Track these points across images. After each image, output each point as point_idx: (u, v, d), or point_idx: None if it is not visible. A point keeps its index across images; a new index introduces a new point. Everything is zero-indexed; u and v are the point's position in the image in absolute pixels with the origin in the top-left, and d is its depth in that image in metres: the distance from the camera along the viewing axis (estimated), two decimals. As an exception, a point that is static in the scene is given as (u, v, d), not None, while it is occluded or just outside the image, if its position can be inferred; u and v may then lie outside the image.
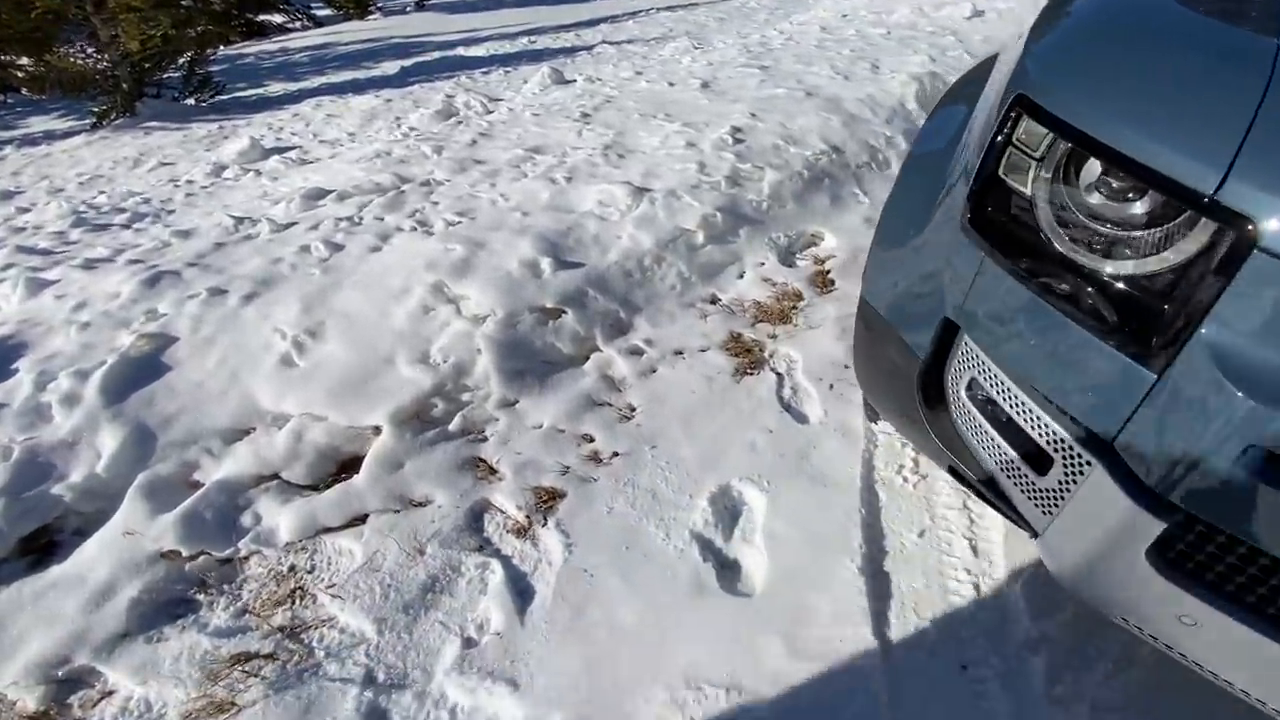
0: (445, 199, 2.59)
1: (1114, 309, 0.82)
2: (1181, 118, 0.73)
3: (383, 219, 2.47)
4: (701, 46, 6.06)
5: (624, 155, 2.80)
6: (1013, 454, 0.99)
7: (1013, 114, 0.91)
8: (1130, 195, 0.82)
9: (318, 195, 2.73)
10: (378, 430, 1.67)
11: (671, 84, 3.86)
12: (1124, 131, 0.77)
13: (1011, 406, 0.97)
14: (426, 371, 1.76)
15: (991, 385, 1.00)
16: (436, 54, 8.19)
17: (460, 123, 4.17)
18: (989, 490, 1.07)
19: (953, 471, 1.16)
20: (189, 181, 3.80)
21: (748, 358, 1.97)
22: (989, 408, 1.04)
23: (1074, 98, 0.84)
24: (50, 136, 6.22)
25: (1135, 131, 0.76)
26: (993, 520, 1.52)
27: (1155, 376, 0.76)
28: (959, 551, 1.47)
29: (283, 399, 1.69)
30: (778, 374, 1.92)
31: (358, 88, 6.64)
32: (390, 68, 7.71)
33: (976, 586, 1.40)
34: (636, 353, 2.00)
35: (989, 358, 0.98)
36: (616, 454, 1.68)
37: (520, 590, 1.40)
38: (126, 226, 2.90)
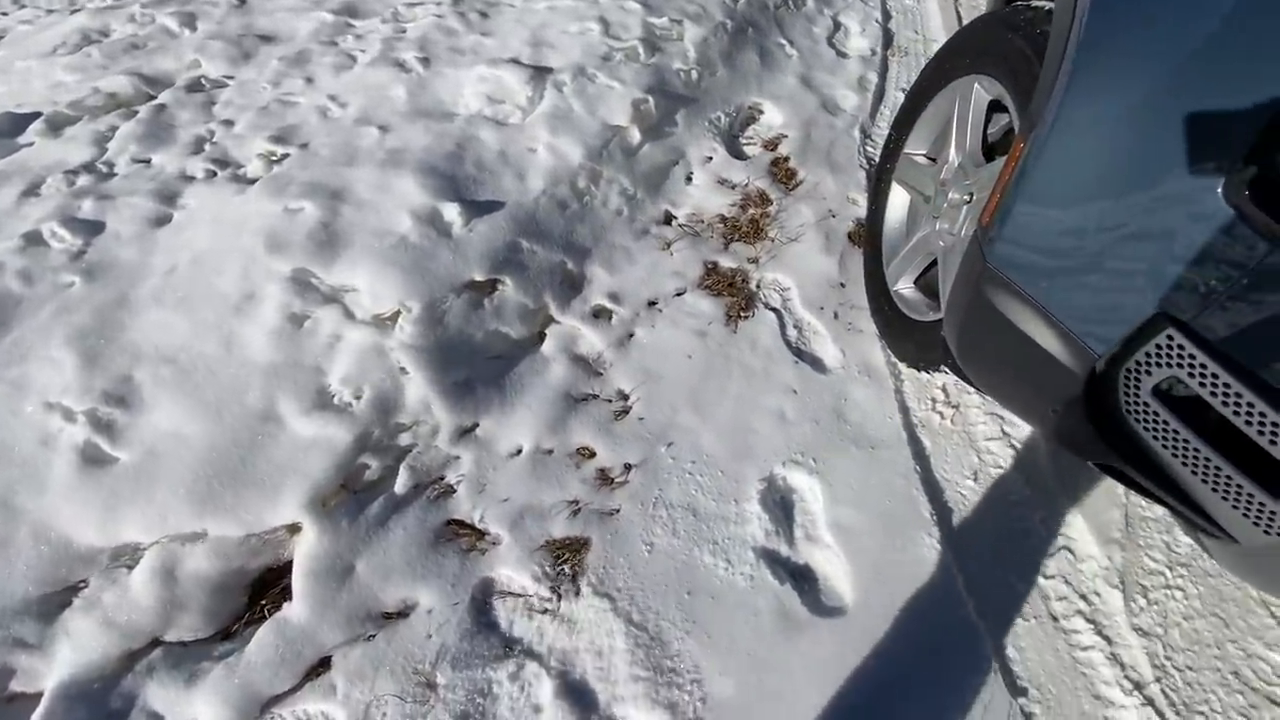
0: (241, 113, 1.73)
1: None
2: None
3: (149, 161, 1.59)
4: None
5: (487, 13, 2.02)
6: (1234, 472, 0.81)
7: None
8: None
9: (12, 128, 1.68)
10: (295, 528, 1.14)
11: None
12: None
13: (1254, 425, 0.77)
14: (336, 419, 1.21)
15: (1219, 395, 0.78)
16: None
17: (193, -40, 2.83)
18: (1171, 496, 0.91)
19: (1111, 471, 0.98)
20: None
21: (734, 295, 1.62)
22: (1187, 409, 0.84)
23: None
24: None
25: None
26: (1035, 442, 1.44)
27: None
28: (1016, 490, 1.39)
29: (115, 523, 1.07)
30: (775, 311, 1.61)
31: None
32: None
33: (1045, 523, 1.33)
34: (603, 315, 1.55)
35: (1233, 375, 0.75)
36: (629, 467, 1.33)
37: (581, 696, 1.09)
38: None
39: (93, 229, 1.41)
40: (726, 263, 1.68)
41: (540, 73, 1.78)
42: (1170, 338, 0.80)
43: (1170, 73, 0.75)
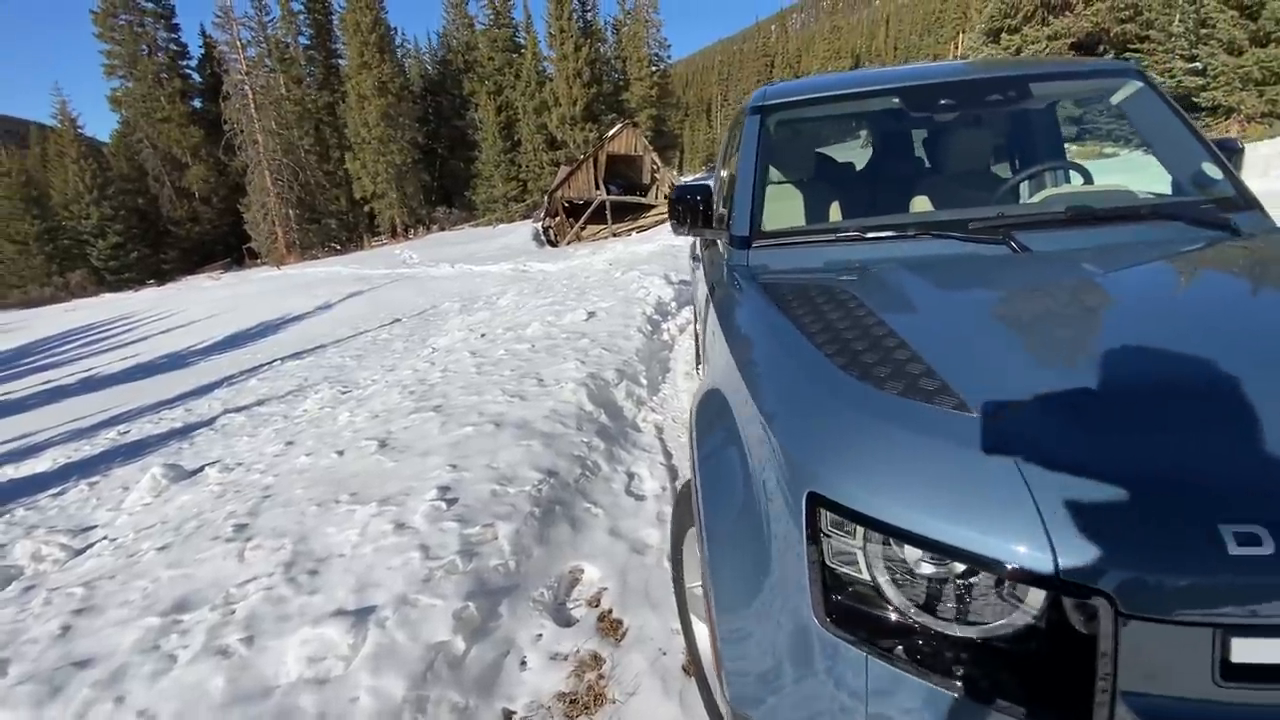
0: (28, 768, 1.61)
1: (1015, 674, 0.81)
2: (982, 506, 0.81)
3: None
4: (350, 392, 5.88)
5: (316, 571, 2.26)
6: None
7: (814, 512, 0.93)
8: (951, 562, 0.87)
9: None
10: None
11: (340, 452, 3.49)
12: (936, 522, 0.82)
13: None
14: None
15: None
16: (-37, 486, 6.06)
17: (31, 590, 2.93)
18: None
19: None
20: None
21: (585, 783, 1.55)
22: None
23: (861, 492, 0.89)
24: None
25: (948, 522, 0.81)
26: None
27: (1107, 746, 0.73)
28: None
29: None
30: (631, 786, 1.54)
31: None
32: None
33: None
34: None
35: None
36: None
37: None
38: None
39: None
40: (573, 746, 1.65)
41: (363, 615, 1.94)
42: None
43: (760, 563, 1.06)
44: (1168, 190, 2.01)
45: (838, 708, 0.91)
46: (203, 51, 40.45)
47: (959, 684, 0.82)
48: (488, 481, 2.73)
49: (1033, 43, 17.92)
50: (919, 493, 0.85)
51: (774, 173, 2.86)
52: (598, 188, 22.15)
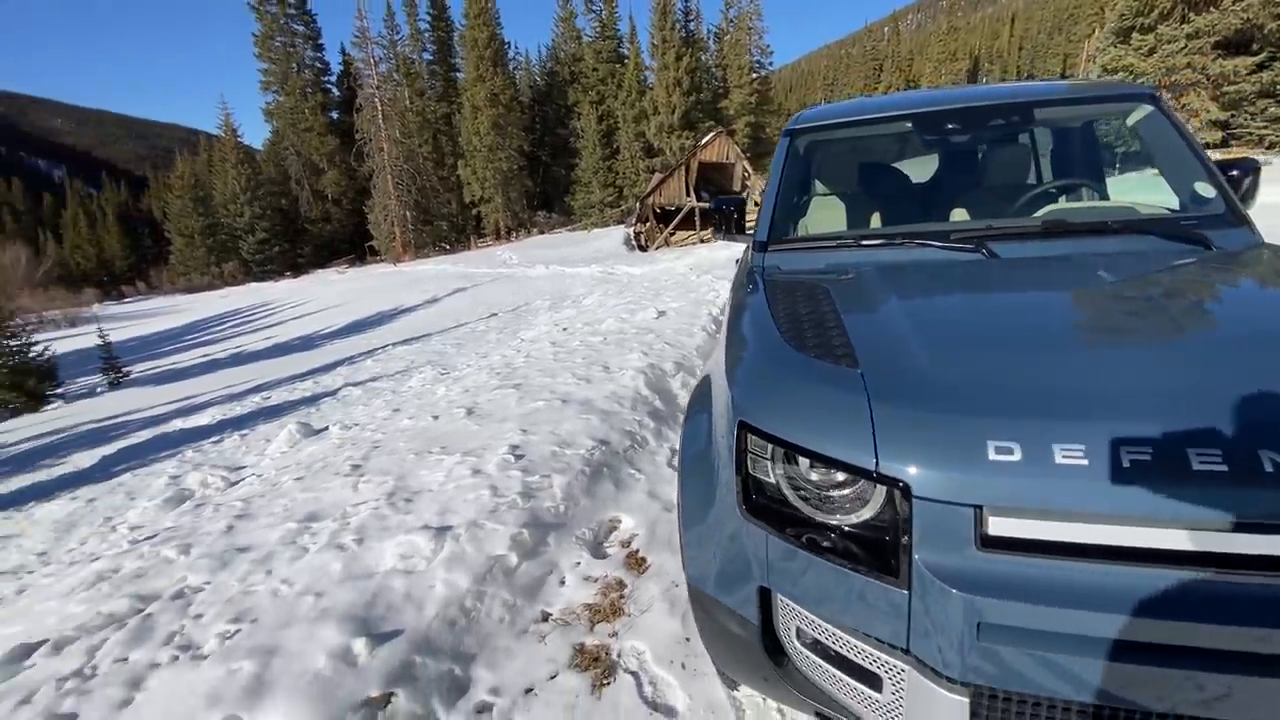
0: (211, 607, 2.26)
1: (862, 550, 1.15)
2: (840, 427, 1.16)
3: (126, 659, 2.02)
4: (448, 374, 6.66)
5: (411, 499, 2.84)
6: (853, 682, 1.20)
7: (743, 435, 1.31)
8: (830, 472, 1.22)
9: (20, 655, 2.13)
10: None
11: (435, 417, 4.13)
12: (812, 438, 1.18)
13: (837, 643, 1.21)
14: None
15: (815, 630, 1.24)
16: (146, 433, 7.43)
17: (201, 505, 3.76)
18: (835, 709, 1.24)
19: (820, 716, 1.31)
20: None
21: (598, 667, 1.98)
22: (820, 647, 1.26)
23: (773, 420, 1.26)
24: None
25: (819, 438, 1.17)
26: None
27: (907, 593, 1.07)
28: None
29: None
30: (632, 673, 1.95)
31: (40, 493, 5.57)
32: (84, 459, 6.70)
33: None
34: (485, 710, 1.85)
35: (803, 609, 1.23)
36: None
37: None
38: None
39: (64, 723, 1.75)
40: (591, 641, 2.08)
41: (442, 531, 2.47)
42: (783, 600, 1.29)
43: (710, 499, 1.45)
44: (1175, 206, 2.16)
45: (751, 570, 1.29)
46: (341, 68, 44.98)
47: (828, 553, 1.17)
48: (550, 444, 3.23)
49: (1169, 42, 16.46)
50: (807, 419, 1.21)
51: (819, 185, 3.18)
52: (688, 194, 22.60)
